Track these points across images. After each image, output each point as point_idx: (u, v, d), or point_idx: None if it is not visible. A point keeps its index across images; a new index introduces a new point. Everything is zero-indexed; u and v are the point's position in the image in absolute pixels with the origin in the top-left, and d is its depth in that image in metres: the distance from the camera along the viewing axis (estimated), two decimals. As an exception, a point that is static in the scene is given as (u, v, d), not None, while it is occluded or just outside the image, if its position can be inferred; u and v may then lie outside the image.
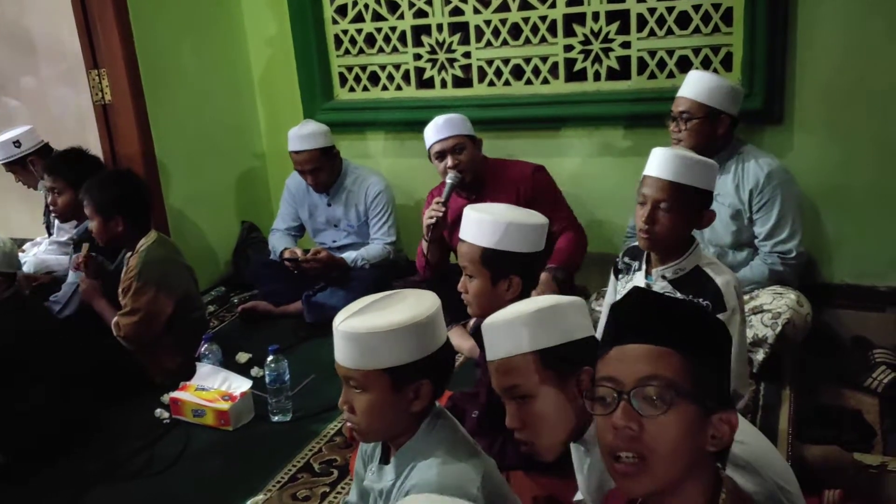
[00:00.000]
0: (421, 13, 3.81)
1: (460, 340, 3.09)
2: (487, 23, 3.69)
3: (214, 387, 2.90)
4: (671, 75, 3.42)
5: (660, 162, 2.18)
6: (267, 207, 4.44)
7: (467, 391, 2.44)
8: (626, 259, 2.43)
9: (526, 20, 3.62)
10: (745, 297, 2.85)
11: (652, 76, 3.47)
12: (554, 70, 3.65)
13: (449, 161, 3.22)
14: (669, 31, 3.39)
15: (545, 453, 1.55)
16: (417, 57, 3.89)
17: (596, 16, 3.49)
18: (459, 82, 3.86)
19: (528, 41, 3.64)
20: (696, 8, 3.31)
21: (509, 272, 2.13)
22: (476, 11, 3.70)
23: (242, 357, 3.32)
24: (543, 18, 3.58)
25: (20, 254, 3.40)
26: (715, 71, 3.30)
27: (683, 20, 3.36)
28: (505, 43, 3.69)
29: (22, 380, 2.70)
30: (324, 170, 3.72)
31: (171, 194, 3.95)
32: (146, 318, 3.06)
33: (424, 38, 3.86)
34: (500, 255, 2.12)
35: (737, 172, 2.97)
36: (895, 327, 3.14)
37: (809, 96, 3.21)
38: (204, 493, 2.49)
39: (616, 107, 3.53)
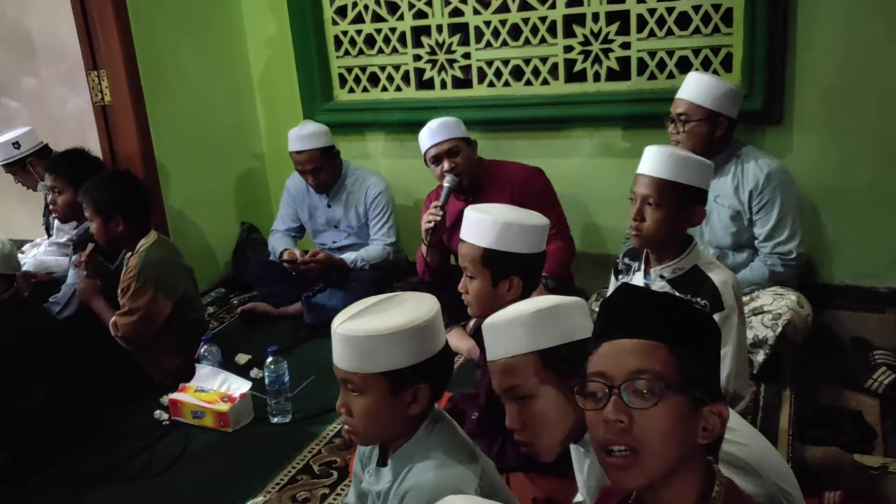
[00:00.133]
0: (420, 14, 3.81)
1: (460, 341, 3.08)
2: (487, 24, 3.69)
3: (214, 388, 2.90)
4: (671, 76, 3.42)
5: (649, 160, 2.22)
6: (266, 208, 4.44)
7: (467, 392, 2.44)
8: (626, 260, 2.44)
9: (526, 21, 3.61)
10: (746, 299, 2.85)
11: (652, 77, 3.46)
12: (554, 71, 3.65)
13: (445, 165, 3.22)
14: (669, 32, 3.38)
15: (545, 454, 1.55)
16: (417, 58, 3.89)
17: (596, 16, 3.49)
18: (459, 83, 3.86)
19: (527, 42, 3.64)
20: (696, 8, 3.31)
21: (510, 273, 2.13)
22: (476, 12, 3.70)
23: (242, 358, 3.32)
24: (543, 19, 3.58)
25: (19, 255, 3.40)
26: (715, 72, 3.30)
27: (683, 21, 3.36)
28: (505, 44, 3.69)
29: (22, 380, 2.70)
30: (324, 170, 3.72)
31: (171, 195, 3.94)
32: (144, 318, 3.06)
33: (424, 39, 3.86)
34: (500, 255, 2.12)
35: (736, 174, 2.97)
36: (895, 328, 3.14)
37: (809, 97, 3.21)
38: (203, 494, 2.49)
39: (616, 107, 3.53)
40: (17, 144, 3.86)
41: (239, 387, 2.89)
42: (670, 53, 3.41)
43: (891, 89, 3.08)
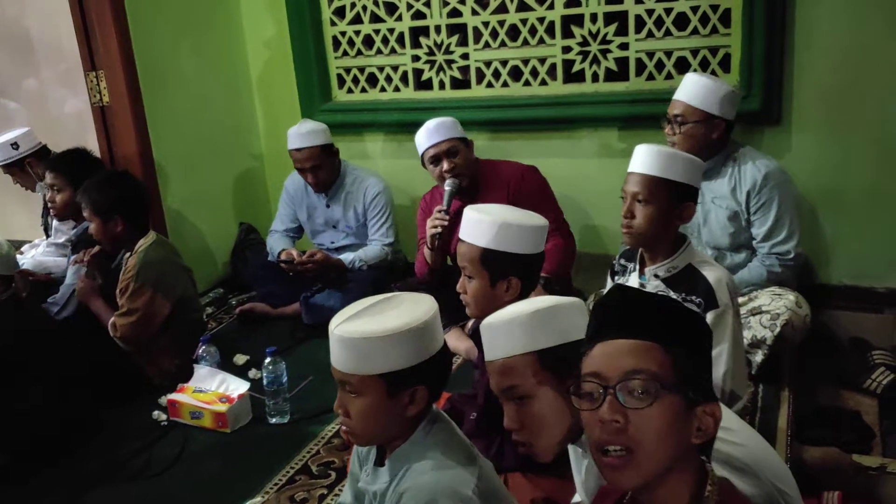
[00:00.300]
0: (419, 15, 3.82)
1: (458, 342, 3.08)
2: (485, 24, 3.70)
3: (212, 389, 2.90)
4: (669, 76, 3.42)
5: (639, 158, 2.24)
6: (265, 209, 4.44)
7: (465, 393, 2.44)
8: (622, 261, 2.44)
9: (524, 21, 3.62)
10: (744, 299, 2.85)
11: (650, 77, 3.47)
12: (552, 71, 3.65)
13: (445, 165, 3.22)
14: (667, 33, 3.39)
15: (543, 454, 1.55)
16: (415, 58, 3.89)
17: (594, 17, 3.49)
18: (457, 84, 3.86)
19: (526, 42, 3.64)
20: (695, 9, 3.31)
21: (508, 273, 2.13)
22: (474, 13, 3.70)
23: (240, 359, 3.32)
24: (541, 20, 3.58)
25: (18, 256, 3.40)
26: (713, 72, 3.31)
27: (681, 21, 3.36)
28: (503, 44, 3.69)
29: (21, 380, 2.70)
30: (324, 167, 3.72)
31: (169, 196, 3.94)
32: (143, 319, 3.06)
33: (422, 40, 3.86)
34: (499, 255, 2.12)
35: (733, 175, 2.97)
36: (894, 328, 3.14)
37: (807, 97, 3.21)
38: (202, 494, 2.49)
39: (614, 108, 3.53)
40: (15, 145, 3.86)
41: (237, 387, 2.89)
42: (668, 54, 3.41)
43: (889, 89, 3.08)
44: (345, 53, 4.03)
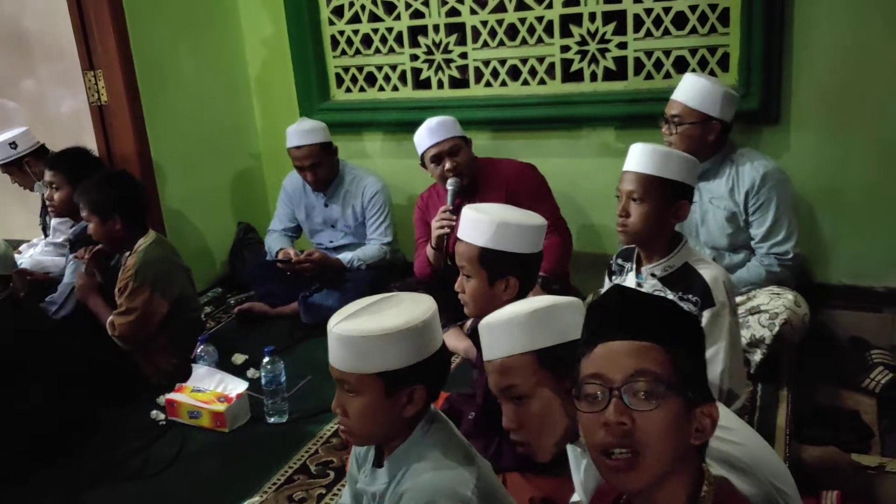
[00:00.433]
0: (417, 14, 3.81)
1: (457, 341, 3.08)
2: (484, 23, 3.69)
3: (210, 388, 2.90)
4: (668, 76, 3.42)
5: (633, 157, 2.24)
6: (263, 208, 4.43)
7: (464, 392, 2.44)
8: (620, 261, 2.44)
9: (522, 21, 3.61)
10: (743, 298, 2.85)
11: (648, 77, 3.46)
12: (550, 70, 3.65)
13: (447, 164, 3.21)
14: (666, 32, 3.38)
15: (541, 454, 1.55)
16: (414, 58, 3.89)
17: (592, 16, 3.49)
18: (456, 83, 3.86)
19: (524, 42, 3.64)
20: (693, 8, 3.31)
21: (507, 272, 2.13)
22: (472, 12, 3.70)
23: (238, 358, 3.31)
24: (540, 19, 3.58)
25: (16, 255, 3.39)
26: (712, 71, 3.30)
27: (680, 21, 3.36)
28: (501, 43, 3.69)
29: (20, 380, 2.70)
30: (323, 166, 3.71)
31: (168, 195, 3.94)
32: (141, 318, 3.06)
33: (421, 39, 3.85)
34: (497, 255, 2.11)
35: (731, 175, 2.97)
36: (892, 328, 3.14)
37: (806, 97, 3.21)
38: (200, 494, 2.49)
39: (612, 107, 3.53)
40: (13, 144, 3.86)
41: (235, 387, 2.88)
42: (667, 53, 3.41)
43: (889, 89, 3.08)
44: (343, 53, 4.03)
